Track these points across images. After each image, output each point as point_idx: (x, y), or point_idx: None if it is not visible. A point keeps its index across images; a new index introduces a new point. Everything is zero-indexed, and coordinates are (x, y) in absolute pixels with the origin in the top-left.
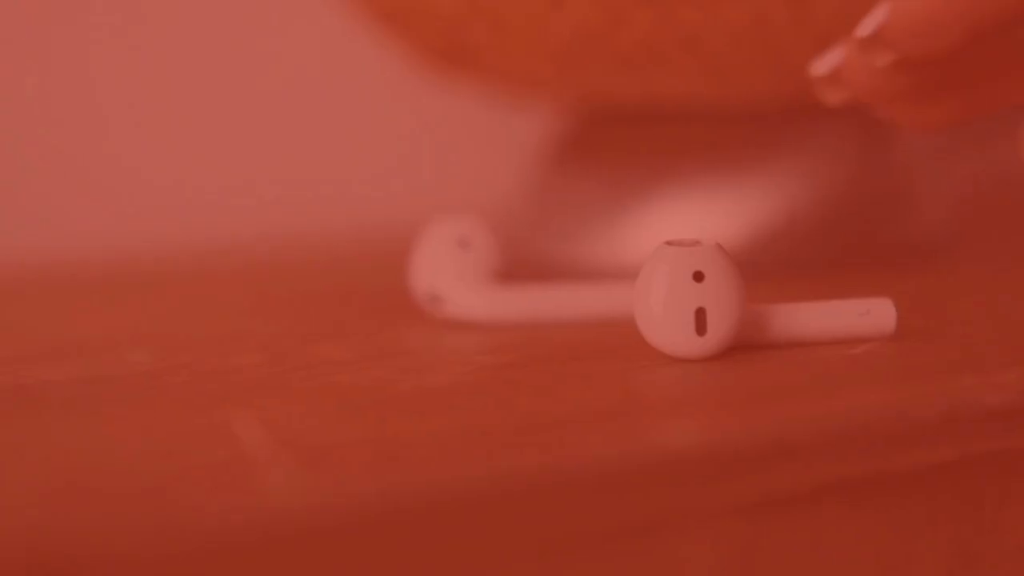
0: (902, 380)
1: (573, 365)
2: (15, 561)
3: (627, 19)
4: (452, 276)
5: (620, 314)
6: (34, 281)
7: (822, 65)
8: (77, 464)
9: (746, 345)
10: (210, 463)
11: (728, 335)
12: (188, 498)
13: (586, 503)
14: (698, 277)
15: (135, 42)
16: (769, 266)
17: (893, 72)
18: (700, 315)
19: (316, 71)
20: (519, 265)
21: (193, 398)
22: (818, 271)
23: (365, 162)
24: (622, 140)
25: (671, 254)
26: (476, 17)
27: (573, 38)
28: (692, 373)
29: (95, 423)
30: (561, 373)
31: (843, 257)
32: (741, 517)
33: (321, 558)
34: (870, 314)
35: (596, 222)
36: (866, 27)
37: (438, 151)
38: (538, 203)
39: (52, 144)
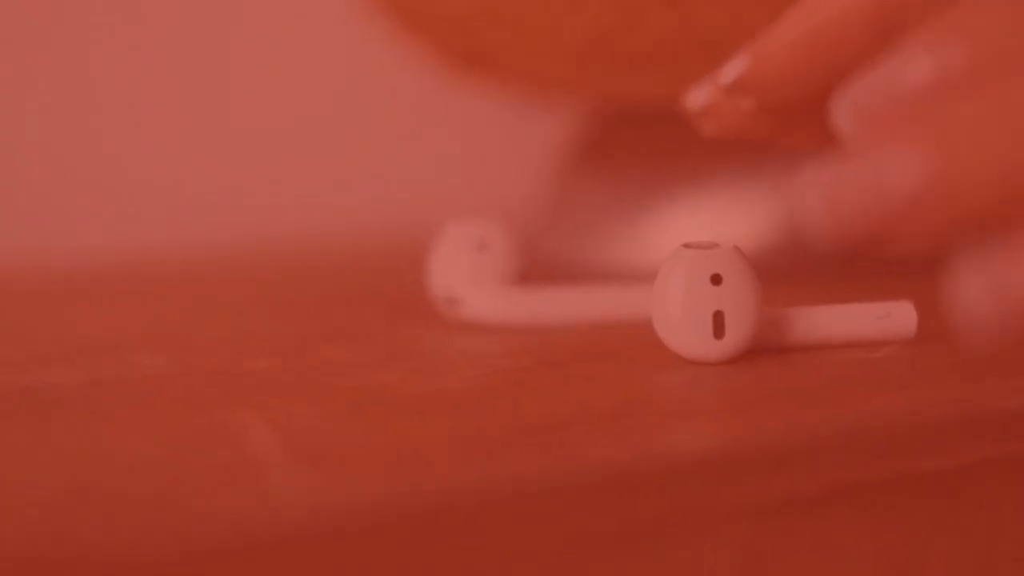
0: (918, 383)
1: (588, 368)
2: (22, 565)
3: (646, 20)
4: (469, 278)
5: (637, 317)
6: (46, 283)
7: (693, 101)
8: (83, 467)
9: (764, 348)
10: (217, 466)
11: (746, 338)
12: (194, 502)
13: (596, 506)
14: (716, 280)
15: (153, 42)
16: (787, 268)
17: (758, 113)
18: (718, 318)
19: (333, 72)
20: (536, 267)
21: (202, 400)
22: (836, 274)
23: (381, 164)
24: (640, 142)
25: (688, 256)
26: (494, 18)
27: (592, 39)
28: (707, 376)
29: (102, 426)
30: (575, 376)
31: (861, 259)
32: (751, 521)
33: (329, 562)
34: (890, 317)
35: (613, 224)
36: (727, 75)
37: (455, 153)
38: (555, 205)
39: (65, 146)
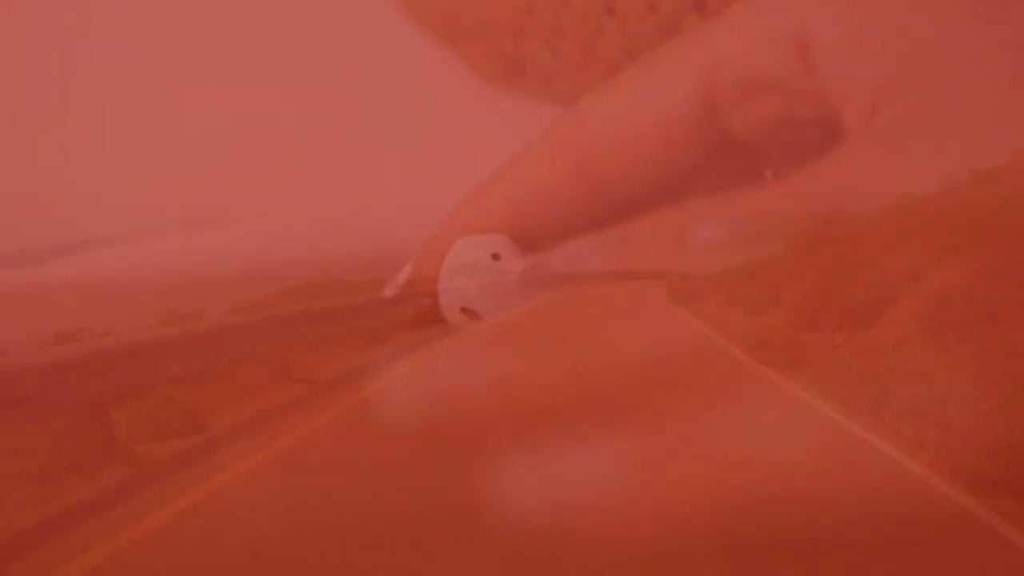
0: None
1: None
2: None
3: (682, 30)
4: (483, 287)
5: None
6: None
7: (387, 292)
8: None
9: None
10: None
11: None
12: None
13: None
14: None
15: (205, 49)
16: None
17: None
18: None
19: (371, 82)
20: (550, 277)
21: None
22: None
23: (413, 171)
24: None
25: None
26: (532, 30)
27: (627, 49)
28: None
29: None
30: None
31: None
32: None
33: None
34: None
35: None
36: (400, 278)
37: (490, 160)
38: None
39: (117, 147)
